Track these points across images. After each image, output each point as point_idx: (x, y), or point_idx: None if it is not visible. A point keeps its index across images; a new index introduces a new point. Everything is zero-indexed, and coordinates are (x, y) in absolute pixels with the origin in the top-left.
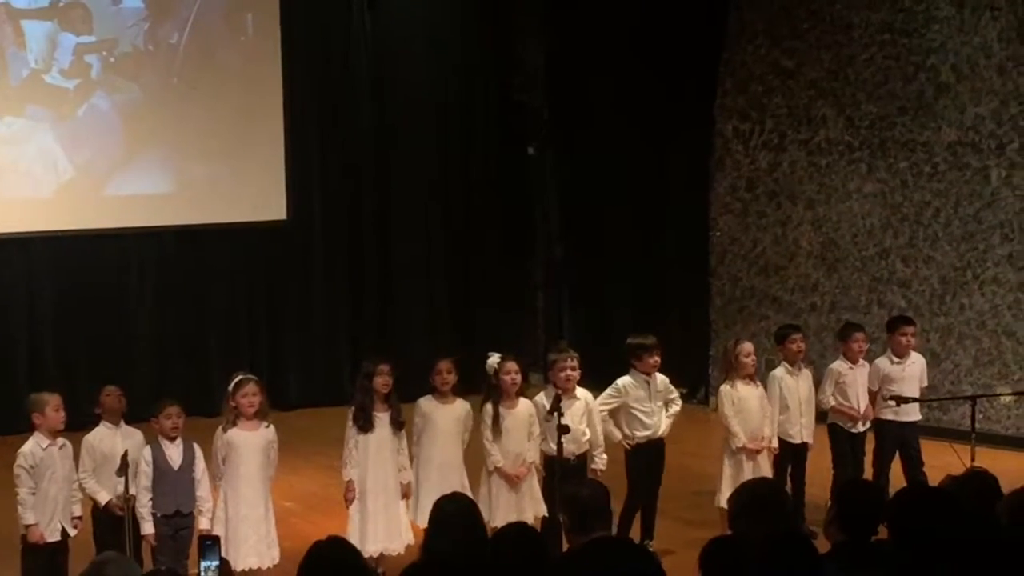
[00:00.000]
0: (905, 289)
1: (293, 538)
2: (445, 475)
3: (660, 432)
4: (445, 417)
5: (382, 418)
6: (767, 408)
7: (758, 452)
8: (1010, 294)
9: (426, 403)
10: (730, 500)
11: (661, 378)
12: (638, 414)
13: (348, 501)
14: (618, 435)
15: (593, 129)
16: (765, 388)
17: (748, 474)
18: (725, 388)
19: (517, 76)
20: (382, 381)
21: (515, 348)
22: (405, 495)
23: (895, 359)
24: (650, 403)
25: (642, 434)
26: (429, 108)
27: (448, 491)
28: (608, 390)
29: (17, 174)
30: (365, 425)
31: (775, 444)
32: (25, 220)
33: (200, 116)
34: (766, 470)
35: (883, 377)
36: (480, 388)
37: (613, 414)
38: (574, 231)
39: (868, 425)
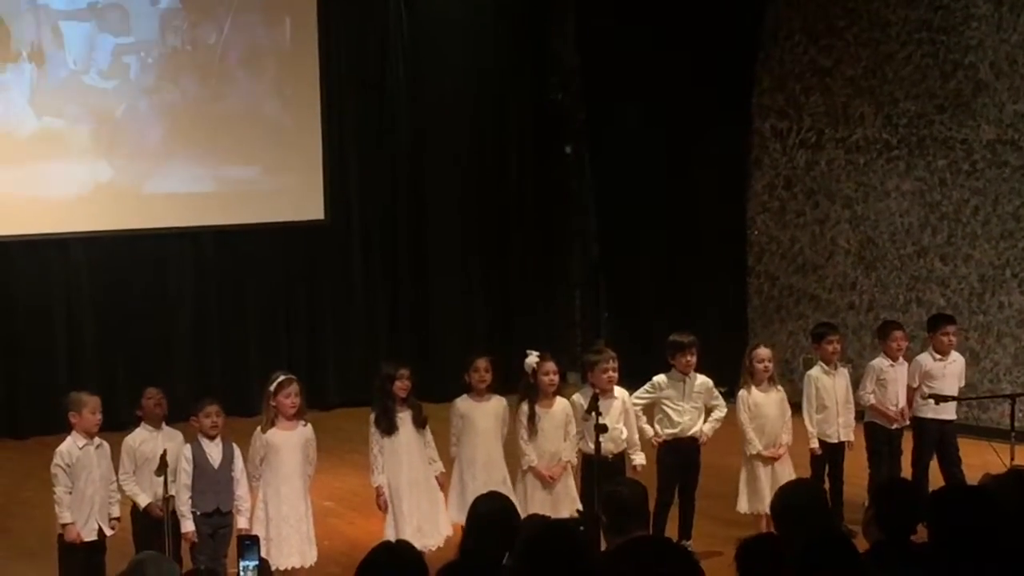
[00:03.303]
0: (944, 287)
1: (332, 537)
2: (490, 473)
3: (691, 432)
4: (485, 415)
5: (404, 419)
6: (786, 413)
7: (775, 459)
8: None
9: (463, 403)
10: (772, 502)
11: (702, 380)
12: (669, 411)
13: (381, 507)
14: (650, 432)
15: (630, 128)
16: (801, 389)
17: (764, 480)
18: (741, 394)
19: (553, 75)
20: (402, 385)
21: (552, 347)
22: (442, 486)
23: (937, 356)
24: (683, 402)
25: (669, 431)
26: (466, 108)
27: (493, 489)
28: (645, 386)
29: (56, 175)
30: (389, 428)
31: (814, 444)
32: (64, 220)
33: (237, 116)
34: (785, 476)
35: (924, 374)
36: (516, 386)
37: (647, 411)
38: (611, 230)
39: (906, 423)
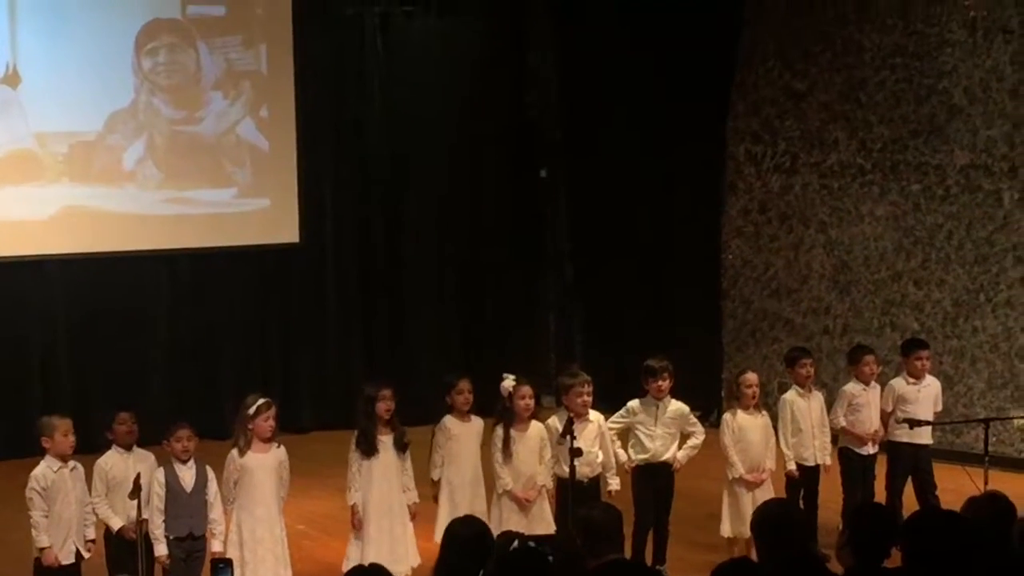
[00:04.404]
0: (918, 312)
1: (305, 561)
2: (476, 494)
3: (663, 457)
4: (470, 436)
5: (385, 441)
6: (770, 438)
7: (758, 484)
8: (1023, 316)
9: (452, 423)
10: (752, 520)
11: (676, 406)
12: (641, 436)
13: (354, 526)
14: (624, 457)
15: (605, 151)
16: (776, 413)
17: (747, 505)
18: (726, 417)
19: (529, 98)
20: (384, 406)
21: (526, 370)
22: (414, 516)
23: (911, 380)
24: (654, 427)
25: (641, 456)
26: (442, 130)
27: (479, 509)
28: (620, 411)
29: (30, 197)
30: (368, 449)
31: (792, 467)
32: (38, 242)
33: (213, 138)
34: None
35: (898, 397)
36: (491, 409)
37: (622, 436)
38: (586, 253)
39: (876, 450)
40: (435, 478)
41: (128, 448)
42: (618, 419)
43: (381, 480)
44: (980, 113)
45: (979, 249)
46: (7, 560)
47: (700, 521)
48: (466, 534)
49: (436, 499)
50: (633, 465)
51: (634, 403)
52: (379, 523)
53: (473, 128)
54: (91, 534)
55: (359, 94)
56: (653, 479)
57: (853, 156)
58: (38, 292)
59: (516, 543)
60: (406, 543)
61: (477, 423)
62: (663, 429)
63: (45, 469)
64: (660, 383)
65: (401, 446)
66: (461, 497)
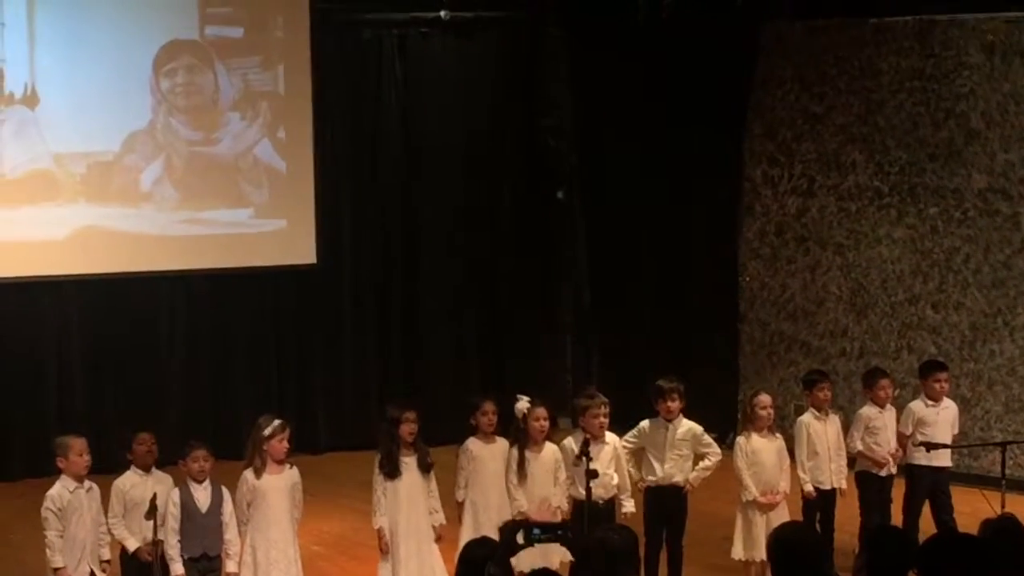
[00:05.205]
0: (935, 335)
1: None
2: (501, 515)
3: (674, 480)
4: (495, 457)
5: (409, 463)
6: (785, 461)
7: (771, 507)
8: None
9: (475, 445)
10: (768, 541)
11: (687, 427)
12: (651, 458)
13: (382, 550)
14: (636, 477)
15: (622, 173)
16: (792, 436)
17: (760, 527)
18: (740, 440)
19: (546, 120)
20: (408, 429)
21: (543, 392)
22: (439, 537)
23: (929, 402)
24: (664, 449)
25: (651, 478)
26: (458, 153)
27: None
28: (632, 431)
29: (47, 217)
30: (392, 472)
31: (809, 488)
32: (55, 263)
33: (230, 159)
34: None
35: (917, 420)
36: (506, 432)
37: (634, 456)
38: (602, 276)
39: (895, 469)
40: (460, 499)
41: (147, 469)
42: (629, 439)
43: (407, 502)
44: (998, 136)
45: (996, 273)
46: None
47: (715, 543)
48: (480, 555)
49: (461, 520)
50: (644, 486)
51: (645, 424)
52: (407, 545)
53: (490, 149)
54: (106, 555)
55: (376, 116)
56: (663, 501)
57: (870, 179)
58: (54, 312)
59: (522, 532)
60: (433, 564)
61: (502, 444)
62: (673, 451)
63: (61, 489)
64: (669, 403)
65: (425, 467)
66: (486, 518)
